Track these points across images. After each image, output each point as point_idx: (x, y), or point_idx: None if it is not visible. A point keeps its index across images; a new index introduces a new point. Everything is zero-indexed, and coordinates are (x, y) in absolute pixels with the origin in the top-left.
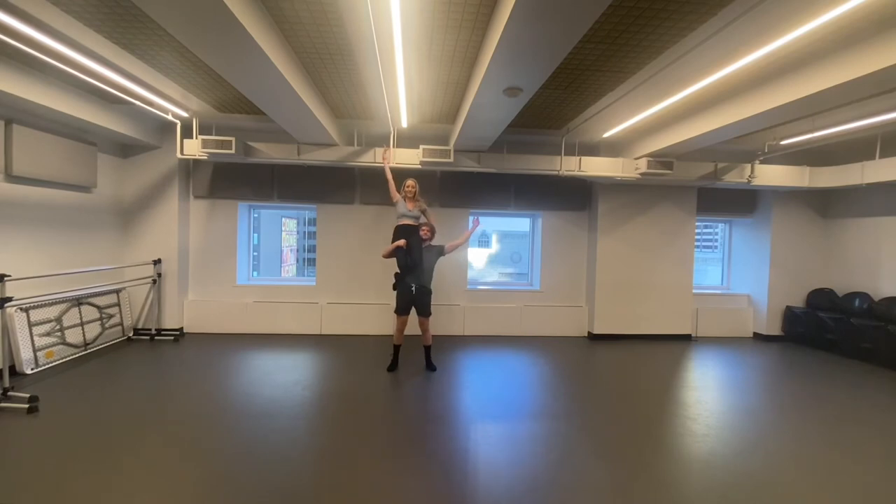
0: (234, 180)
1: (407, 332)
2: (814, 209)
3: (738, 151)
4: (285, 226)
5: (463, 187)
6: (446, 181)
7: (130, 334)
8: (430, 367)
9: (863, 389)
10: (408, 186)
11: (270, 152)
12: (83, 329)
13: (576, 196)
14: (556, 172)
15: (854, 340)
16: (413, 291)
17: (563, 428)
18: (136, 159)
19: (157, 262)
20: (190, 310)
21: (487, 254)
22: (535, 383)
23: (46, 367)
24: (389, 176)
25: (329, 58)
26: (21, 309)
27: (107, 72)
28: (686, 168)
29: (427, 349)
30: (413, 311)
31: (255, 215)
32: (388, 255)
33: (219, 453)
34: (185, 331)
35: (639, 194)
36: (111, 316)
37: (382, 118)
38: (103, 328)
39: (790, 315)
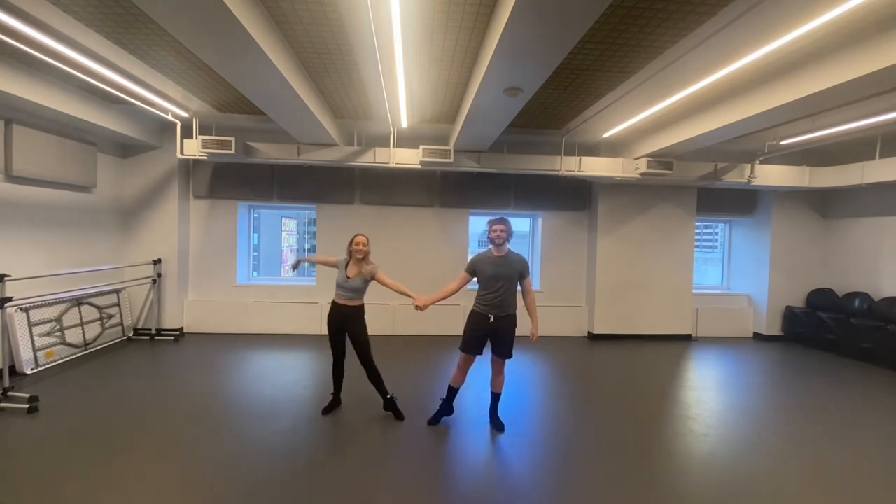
0: (234, 180)
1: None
2: (814, 209)
3: (738, 151)
4: (285, 226)
5: (463, 187)
6: (446, 181)
7: (130, 334)
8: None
9: (863, 389)
10: (357, 244)
11: (270, 152)
12: (83, 329)
13: (576, 196)
14: (556, 172)
15: (854, 340)
16: None
17: (563, 428)
18: (136, 159)
19: (157, 262)
20: (190, 310)
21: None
22: (535, 383)
23: (46, 367)
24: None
25: (329, 58)
26: (21, 309)
27: (107, 72)
28: (686, 168)
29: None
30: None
31: (255, 215)
32: None
33: (219, 453)
34: (185, 331)
35: (639, 194)
36: (111, 316)
37: (382, 118)
38: (103, 328)
39: (790, 315)
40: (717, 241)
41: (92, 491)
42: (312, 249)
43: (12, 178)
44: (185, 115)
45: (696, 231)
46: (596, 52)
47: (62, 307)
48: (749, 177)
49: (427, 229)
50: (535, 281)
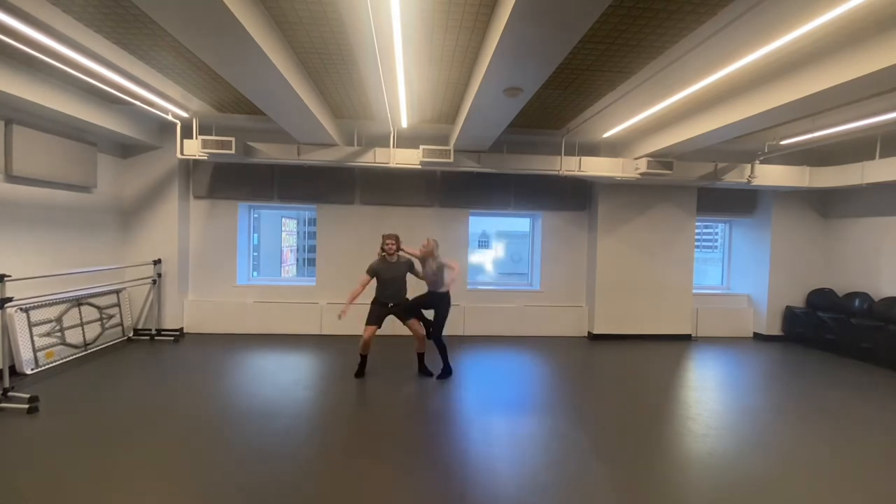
0: (234, 180)
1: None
2: (814, 209)
3: (738, 151)
4: (285, 226)
5: (463, 187)
6: (446, 181)
7: (130, 334)
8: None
9: (863, 389)
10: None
11: (270, 152)
12: (83, 329)
13: (576, 196)
14: (556, 172)
15: (854, 340)
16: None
17: (563, 428)
18: (136, 159)
19: (157, 262)
20: (190, 310)
21: (489, 256)
22: (535, 383)
23: (46, 367)
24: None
25: (329, 58)
26: (21, 309)
27: (107, 72)
28: (686, 168)
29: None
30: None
31: (255, 215)
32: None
33: (219, 453)
34: (185, 331)
35: (639, 194)
36: (111, 316)
37: (382, 118)
38: (103, 328)
39: (790, 315)
40: (717, 241)
41: (92, 491)
42: (312, 249)
43: (12, 178)
44: (185, 115)
45: (696, 231)
46: (596, 52)
47: (62, 307)
48: (749, 177)
49: (427, 229)
50: (535, 281)
